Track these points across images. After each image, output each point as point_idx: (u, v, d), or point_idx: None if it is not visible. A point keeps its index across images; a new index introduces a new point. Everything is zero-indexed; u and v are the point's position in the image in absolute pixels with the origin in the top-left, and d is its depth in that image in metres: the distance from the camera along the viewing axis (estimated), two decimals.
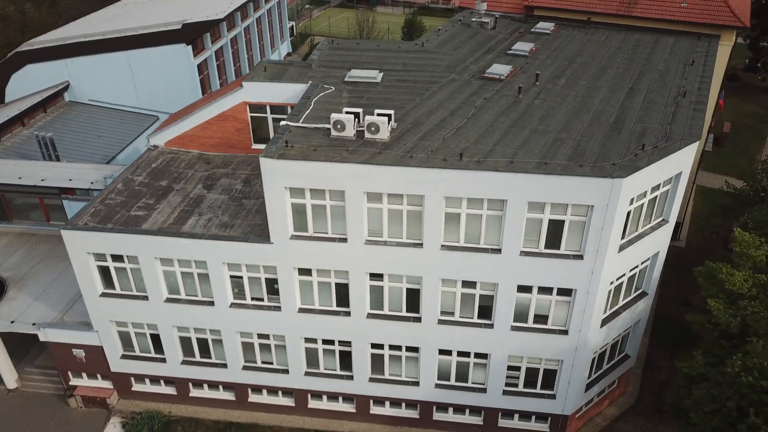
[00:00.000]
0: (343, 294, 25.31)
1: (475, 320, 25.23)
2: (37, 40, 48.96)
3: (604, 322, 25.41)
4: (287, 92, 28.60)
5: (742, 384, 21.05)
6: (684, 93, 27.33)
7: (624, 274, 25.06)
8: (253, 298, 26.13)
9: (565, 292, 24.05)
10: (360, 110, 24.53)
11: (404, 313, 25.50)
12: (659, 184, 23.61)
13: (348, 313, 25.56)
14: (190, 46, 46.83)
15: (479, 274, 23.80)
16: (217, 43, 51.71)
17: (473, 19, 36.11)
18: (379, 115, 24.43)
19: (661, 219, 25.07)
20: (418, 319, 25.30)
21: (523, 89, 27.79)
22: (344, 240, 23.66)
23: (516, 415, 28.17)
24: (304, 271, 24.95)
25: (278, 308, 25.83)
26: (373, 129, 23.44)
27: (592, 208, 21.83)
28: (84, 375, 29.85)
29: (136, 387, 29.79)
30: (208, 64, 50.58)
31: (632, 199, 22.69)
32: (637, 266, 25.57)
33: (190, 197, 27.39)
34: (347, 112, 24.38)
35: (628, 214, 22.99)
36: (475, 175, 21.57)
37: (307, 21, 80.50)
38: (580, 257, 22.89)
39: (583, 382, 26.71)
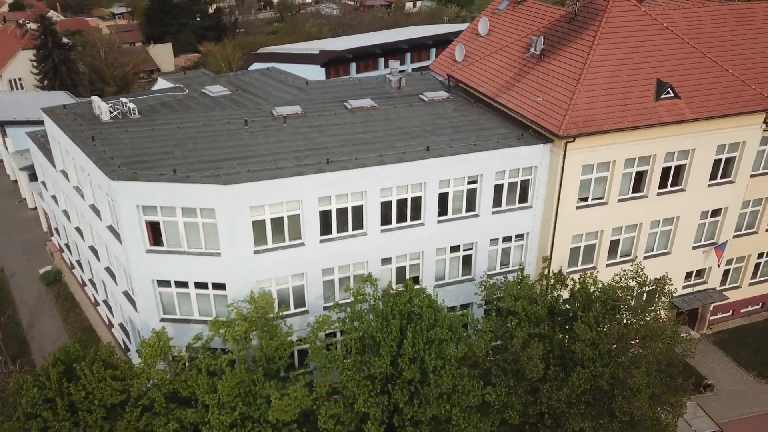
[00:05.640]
0: None
1: None
2: (261, 49, 69.33)
3: None
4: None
5: None
6: (327, 161, 28.13)
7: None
8: None
9: None
10: (125, 100, 34.04)
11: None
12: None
13: None
14: (323, 68, 59.44)
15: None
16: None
17: (387, 76, 39.13)
18: (126, 104, 33.68)
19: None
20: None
21: (262, 123, 32.65)
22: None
23: None
24: None
25: None
26: (101, 112, 33.04)
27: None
28: None
29: None
30: None
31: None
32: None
33: None
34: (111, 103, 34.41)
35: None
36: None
37: None
38: None
39: None
